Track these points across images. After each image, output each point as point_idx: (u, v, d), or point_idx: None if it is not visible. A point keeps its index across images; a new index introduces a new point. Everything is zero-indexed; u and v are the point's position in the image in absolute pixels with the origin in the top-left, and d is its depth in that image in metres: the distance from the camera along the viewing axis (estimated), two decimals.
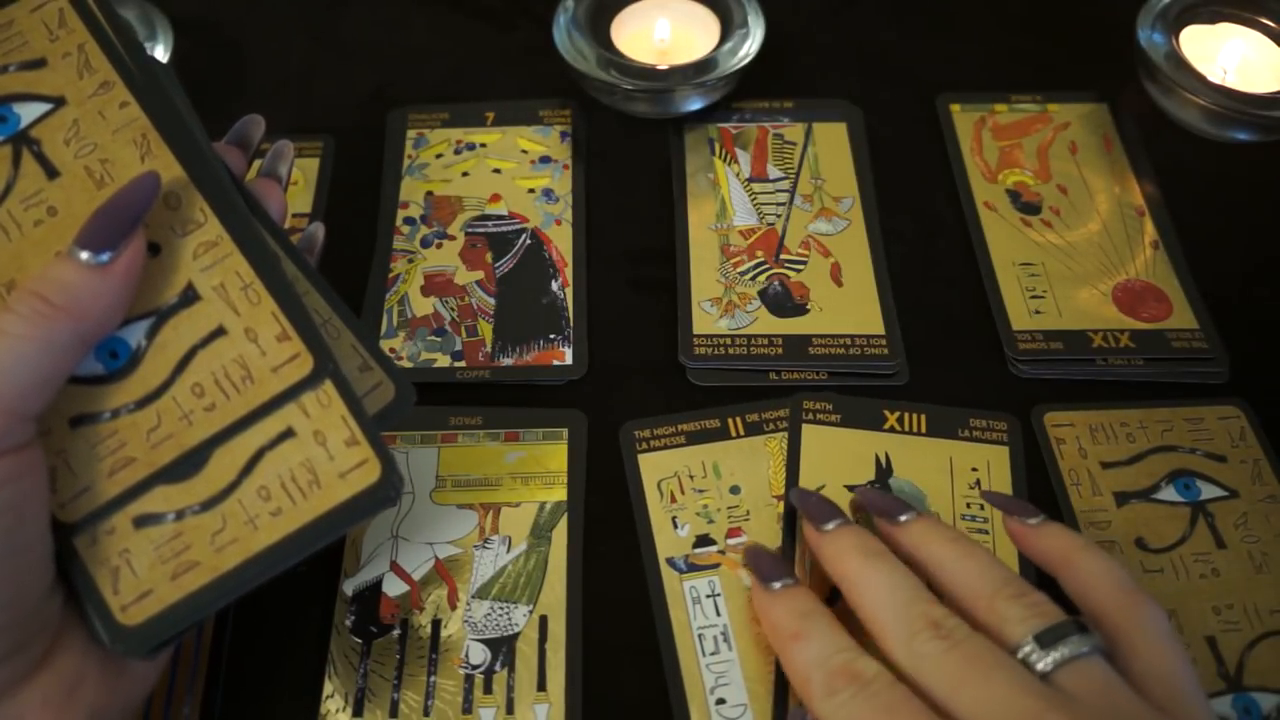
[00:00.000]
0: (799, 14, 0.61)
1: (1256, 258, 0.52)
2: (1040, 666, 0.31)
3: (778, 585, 0.36)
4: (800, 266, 0.50)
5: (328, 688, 0.38)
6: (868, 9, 0.63)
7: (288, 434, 0.30)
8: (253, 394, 0.30)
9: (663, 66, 0.54)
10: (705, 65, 0.54)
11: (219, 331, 0.31)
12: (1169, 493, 0.43)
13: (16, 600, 0.28)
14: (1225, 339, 0.48)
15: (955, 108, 0.57)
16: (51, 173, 0.32)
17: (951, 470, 0.44)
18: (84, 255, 0.28)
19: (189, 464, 0.30)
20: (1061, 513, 0.43)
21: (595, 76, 0.53)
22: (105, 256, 0.29)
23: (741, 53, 0.54)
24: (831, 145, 0.55)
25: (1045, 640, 0.31)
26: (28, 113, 0.32)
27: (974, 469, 0.44)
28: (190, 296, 0.31)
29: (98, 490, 0.30)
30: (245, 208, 0.32)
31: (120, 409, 0.30)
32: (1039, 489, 0.44)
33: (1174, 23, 0.56)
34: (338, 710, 0.38)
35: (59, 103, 0.32)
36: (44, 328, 0.27)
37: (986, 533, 0.42)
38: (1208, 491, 0.43)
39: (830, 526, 0.37)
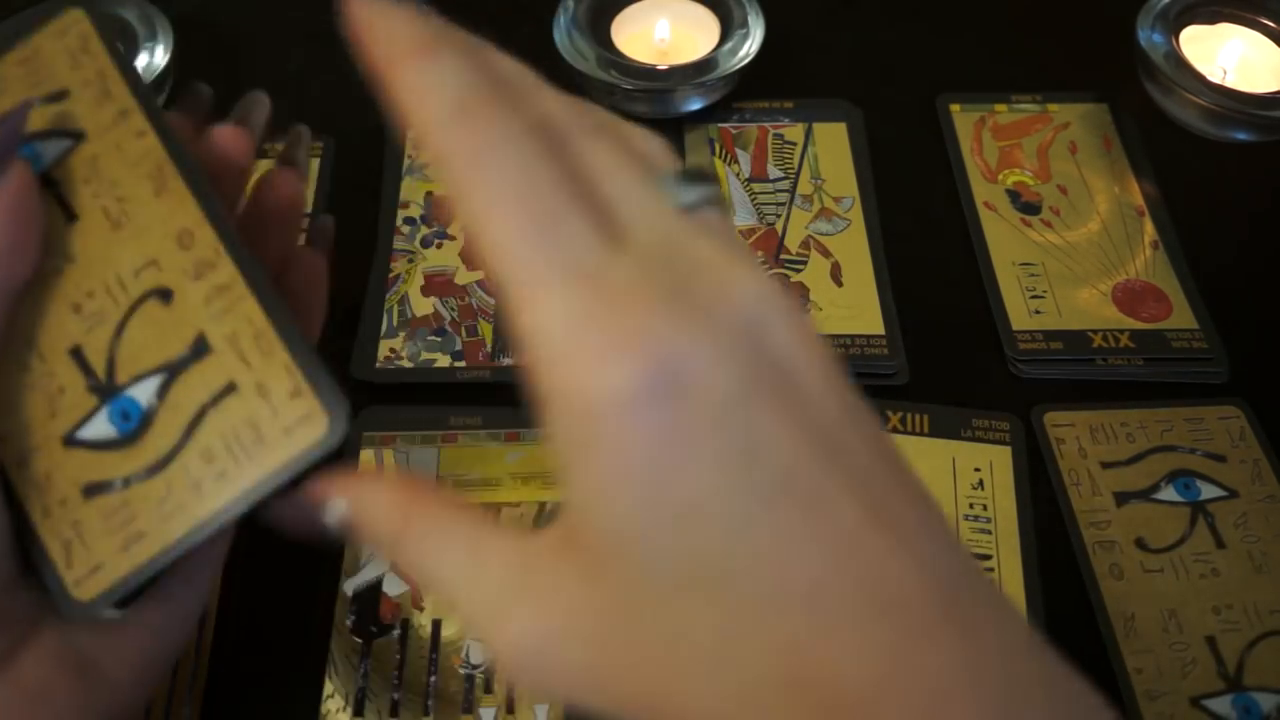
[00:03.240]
0: (799, 14, 0.61)
1: (1256, 258, 0.52)
2: None
3: None
4: (800, 266, 0.50)
5: (328, 688, 0.38)
6: (868, 9, 0.63)
7: (230, 389, 0.28)
8: (264, 458, 0.28)
9: (663, 66, 0.54)
10: (705, 65, 0.54)
11: (230, 388, 0.28)
12: (1169, 493, 0.43)
13: None
14: (1225, 339, 0.48)
15: (955, 108, 0.57)
16: (70, 216, 0.30)
17: (954, 471, 0.44)
18: None
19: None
20: (1061, 513, 0.43)
21: (595, 76, 0.53)
22: None
23: (741, 53, 0.54)
24: (831, 145, 0.55)
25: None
26: (50, 151, 0.30)
27: (976, 469, 0.44)
28: (201, 349, 0.28)
29: (111, 567, 0.28)
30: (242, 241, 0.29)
31: (131, 477, 0.28)
32: (1039, 489, 0.44)
33: (1174, 23, 0.56)
34: (338, 710, 0.38)
35: (79, 137, 0.30)
36: None
37: (989, 533, 0.42)
38: (1207, 491, 0.43)
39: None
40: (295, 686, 0.38)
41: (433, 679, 0.38)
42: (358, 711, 0.38)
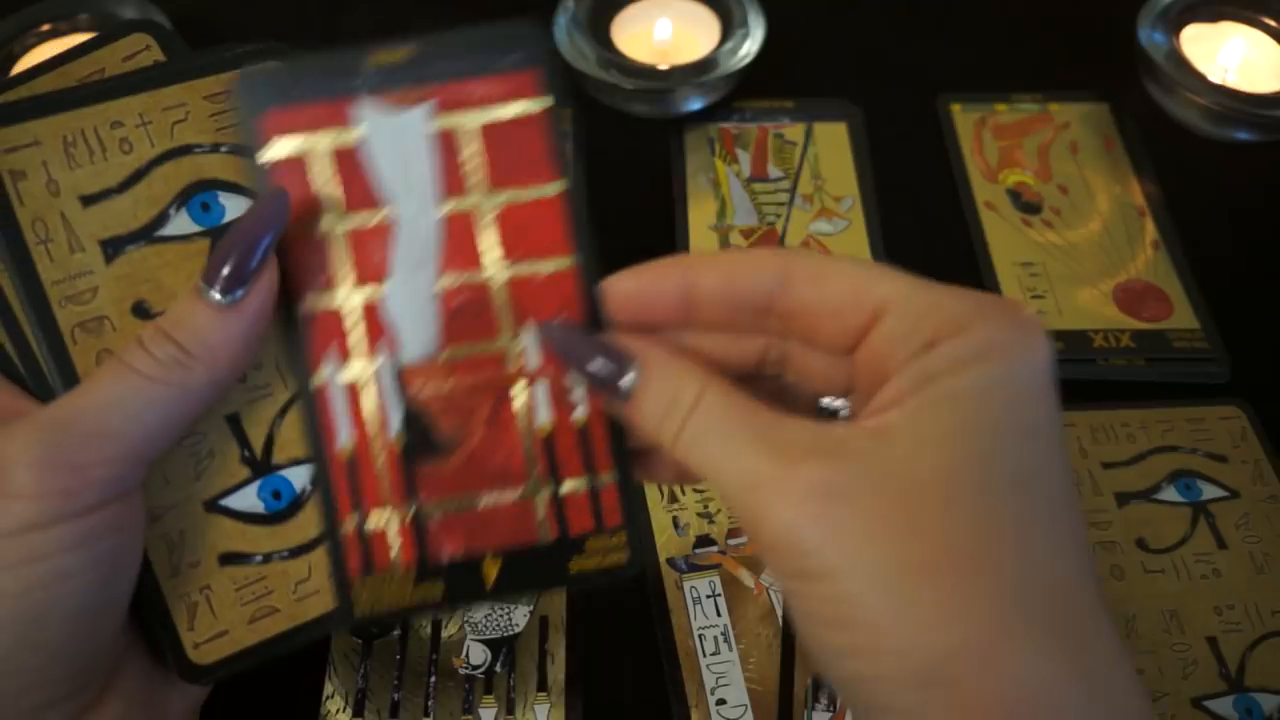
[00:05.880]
0: (799, 14, 0.61)
1: (1257, 258, 0.51)
2: None
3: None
4: None
5: (328, 688, 0.38)
6: (868, 9, 0.63)
7: None
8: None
9: (663, 66, 0.54)
10: (705, 65, 0.54)
11: None
12: (1170, 493, 0.43)
13: (88, 651, 0.27)
14: (1225, 339, 0.48)
15: (955, 108, 0.57)
16: None
17: None
18: (216, 296, 0.26)
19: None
20: None
21: (595, 76, 0.53)
22: (238, 294, 0.26)
23: (741, 53, 0.54)
24: (831, 145, 0.55)
25: None
26: (232, 207, 0.29)
27: None
28: None
29: (235, 636, 0.29)
30: None
31: (273, 554, 0.29)
32: None
33: (1174, 22, 0.56)
34: (338, 710, 0.38)
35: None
36: (181, 375, 0.26)
37: None
38: (1209, 492, 0.43)
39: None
40: (295, 686, 0.38)
41: (433, 679, 0.38)
42: (358, 712, 0.38)
